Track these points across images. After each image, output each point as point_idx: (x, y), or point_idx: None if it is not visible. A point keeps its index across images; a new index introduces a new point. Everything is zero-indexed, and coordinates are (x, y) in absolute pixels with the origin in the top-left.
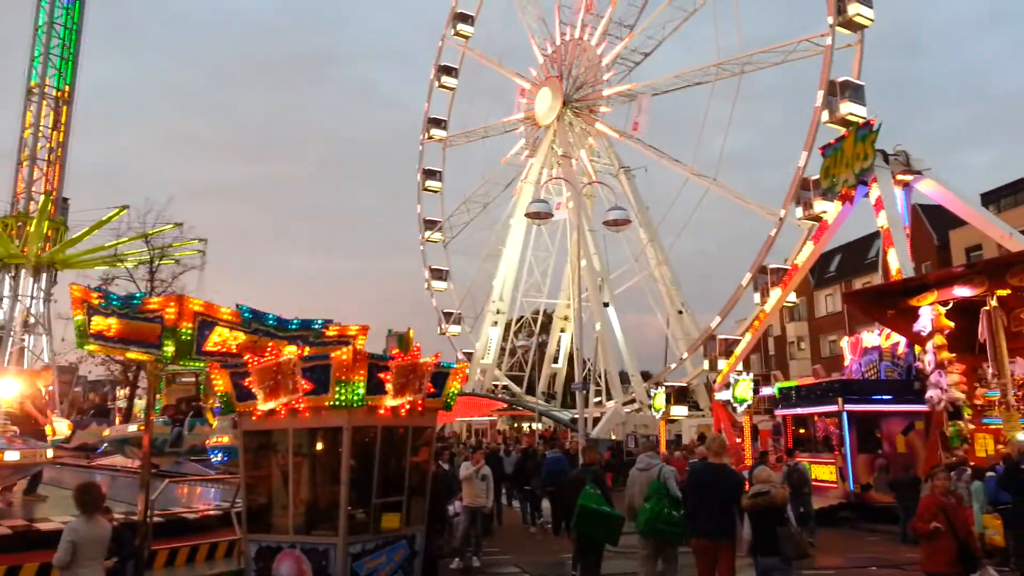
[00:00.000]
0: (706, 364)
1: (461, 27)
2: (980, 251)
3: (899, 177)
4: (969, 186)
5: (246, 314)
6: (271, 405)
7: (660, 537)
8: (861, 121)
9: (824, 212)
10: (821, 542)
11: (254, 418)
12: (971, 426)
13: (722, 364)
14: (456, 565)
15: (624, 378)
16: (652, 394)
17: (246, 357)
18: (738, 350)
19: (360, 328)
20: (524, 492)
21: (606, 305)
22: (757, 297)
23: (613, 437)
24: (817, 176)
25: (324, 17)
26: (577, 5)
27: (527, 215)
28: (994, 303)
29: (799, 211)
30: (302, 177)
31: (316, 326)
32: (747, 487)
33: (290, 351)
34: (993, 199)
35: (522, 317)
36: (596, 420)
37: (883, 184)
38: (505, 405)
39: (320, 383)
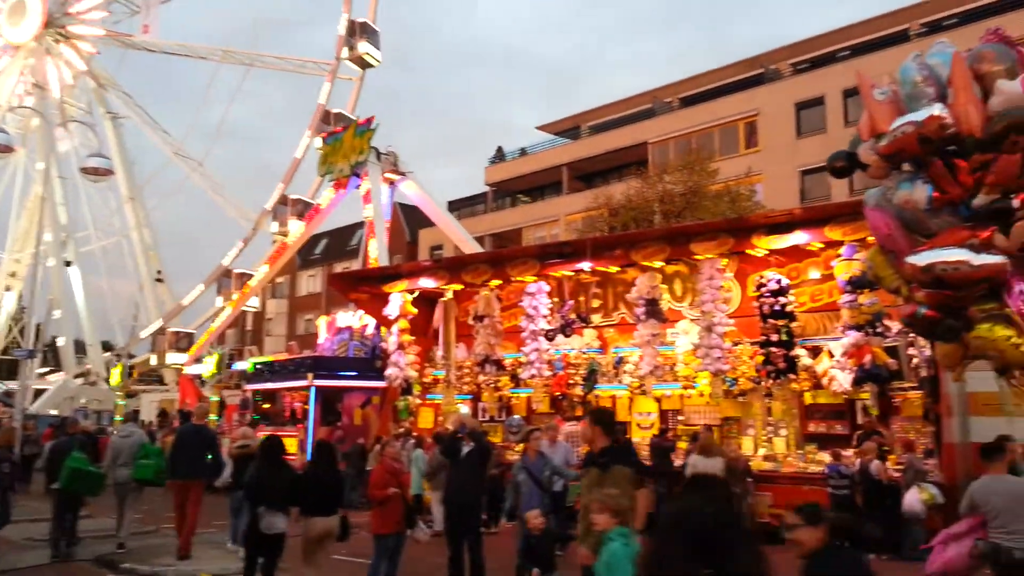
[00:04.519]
0: (153, 359)
1: None
2: (441, 250)
3: (387, 175)
4: (438, 194)
5: None
6: None
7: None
8: (376, 63)
9: (290, 233)
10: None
11: None
12: (418, 401)
13: (173, 357)
14: None
15: (81, 348)
16: (112, 366)
17: None
18: (214, 325)
19: None
20: None
21: (68, 264)
22: (219, 300)
23: (55, 412)
24: (296, 195)
25: None
26: None
27: None
28: (450, 296)
29: (275, 225)
30: None
31: None
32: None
33: None
34: (455, 207)
35: None
36: (41, 393)
37: (373, 179)
38: None
39: None
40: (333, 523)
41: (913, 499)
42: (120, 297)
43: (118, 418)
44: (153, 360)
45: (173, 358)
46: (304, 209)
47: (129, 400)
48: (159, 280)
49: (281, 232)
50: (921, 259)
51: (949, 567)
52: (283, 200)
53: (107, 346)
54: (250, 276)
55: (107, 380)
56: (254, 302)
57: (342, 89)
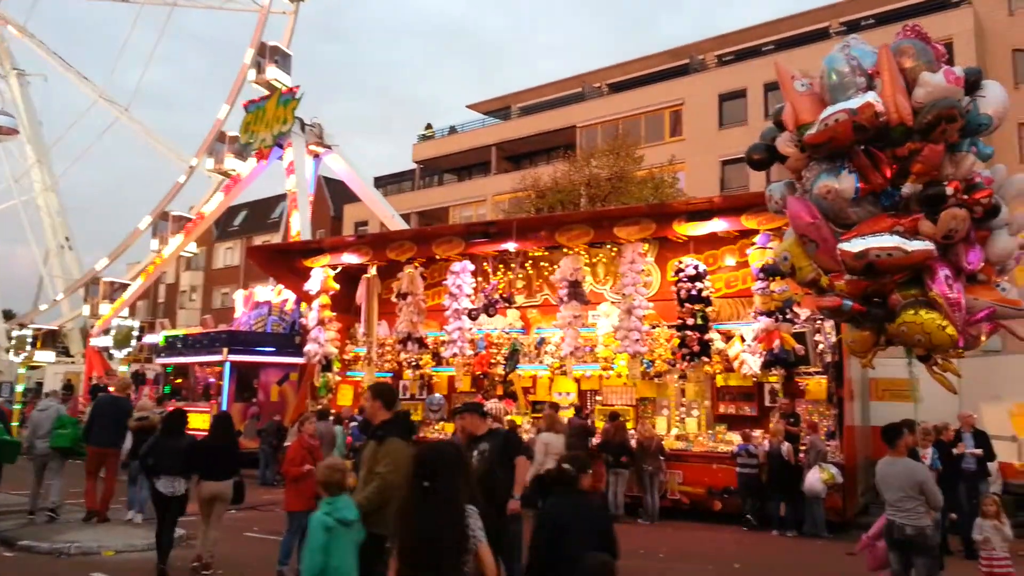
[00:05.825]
0: (86, 309)
1: None
2: (366, 226)
3: (312, 147)
4: (364, 169)
5: None
6: None
7: (76, 455)
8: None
9: (233, 169)
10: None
11: None
12: (337, 378)
13: (106, 308)
14: None
15: None
16: (14, 336)
17: None
18: (126, 295)
19: None
20: None
21: None
22: (155, 243)
23: None
24: (234, 132)
25: None
26: None
27: None
28: (373, 272)
29: (210, 162)
30: None
31: None
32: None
33: None
34: (382, 184)
35: None
36: None
37: (297, 151)
38: None
39: None
40: (224, 487)
41: (814, 479)
42: (32, 260)
43: (19, 387)
44: (86, 311)
45: (106, 309)
46: (242, 148)
47: (33, 372)
48: (67, 248)
49: (217, 169)
50: (854, 245)
51: (882, 562)
52: (220, 137)
53: (8, 315)
54: (188, 219)
55: (7, 351)
56: (192, 247)
57: (275, 27)
